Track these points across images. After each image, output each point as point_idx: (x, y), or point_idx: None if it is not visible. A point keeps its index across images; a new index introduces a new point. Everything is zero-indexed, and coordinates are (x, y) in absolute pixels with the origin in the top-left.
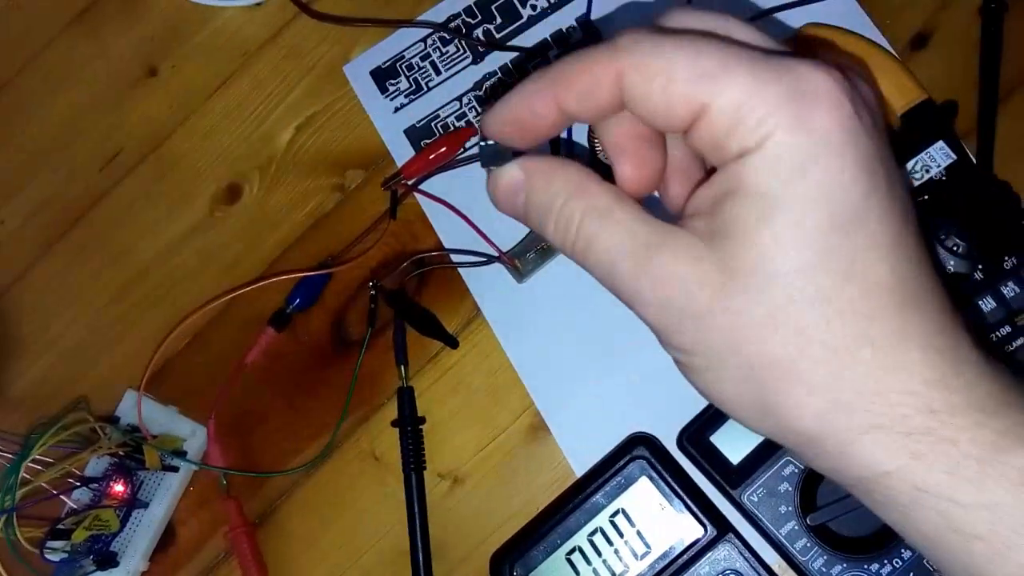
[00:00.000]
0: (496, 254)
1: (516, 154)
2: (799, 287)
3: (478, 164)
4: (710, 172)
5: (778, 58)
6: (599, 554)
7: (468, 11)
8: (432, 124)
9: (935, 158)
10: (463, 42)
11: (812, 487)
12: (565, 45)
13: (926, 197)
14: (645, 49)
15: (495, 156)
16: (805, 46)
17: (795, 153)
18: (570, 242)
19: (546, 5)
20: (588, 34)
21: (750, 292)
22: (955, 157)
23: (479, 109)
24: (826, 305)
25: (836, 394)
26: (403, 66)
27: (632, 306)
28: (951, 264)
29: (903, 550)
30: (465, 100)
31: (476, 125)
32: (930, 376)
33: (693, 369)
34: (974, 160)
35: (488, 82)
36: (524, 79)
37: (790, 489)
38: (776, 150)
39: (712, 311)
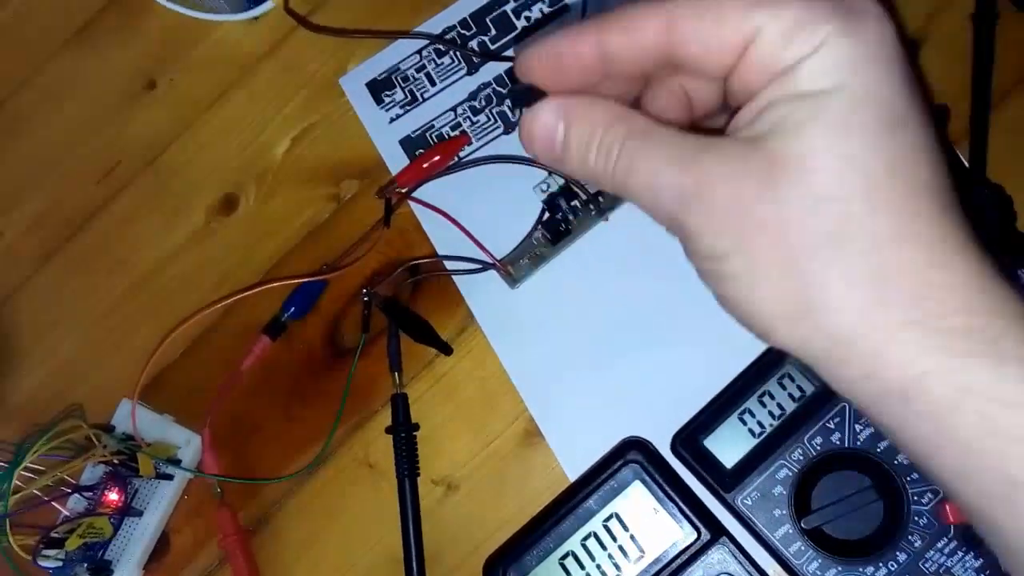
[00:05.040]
0: (490, 261)
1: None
2: (848, 177)
3: (472, 172)
4: None
5: None
6: (593, 559)
7: (463, 23)
8: (427, 135)
9: None
10: (458, 53)
11: (806, 490)
12: None
13: None
14: None
15: (526, 96)
16: None
17: (849, 54)
18: (611, 168)
19: (540, 16)
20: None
21: (797, 180)
22: (948, 161)
23: (473, 119)
24: (872, 196)
25: (878, 289)
26: (399, 78)
27: (674, 218)
28: None
29: (898, 553)
30: (460, 111)
31: (515, 56)
32: (970, 277)
33: (729, 276)
34: (966, 164)
35: (483, 92)
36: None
37: (784, 492)
38: (830, 52)
39: (760, 199)
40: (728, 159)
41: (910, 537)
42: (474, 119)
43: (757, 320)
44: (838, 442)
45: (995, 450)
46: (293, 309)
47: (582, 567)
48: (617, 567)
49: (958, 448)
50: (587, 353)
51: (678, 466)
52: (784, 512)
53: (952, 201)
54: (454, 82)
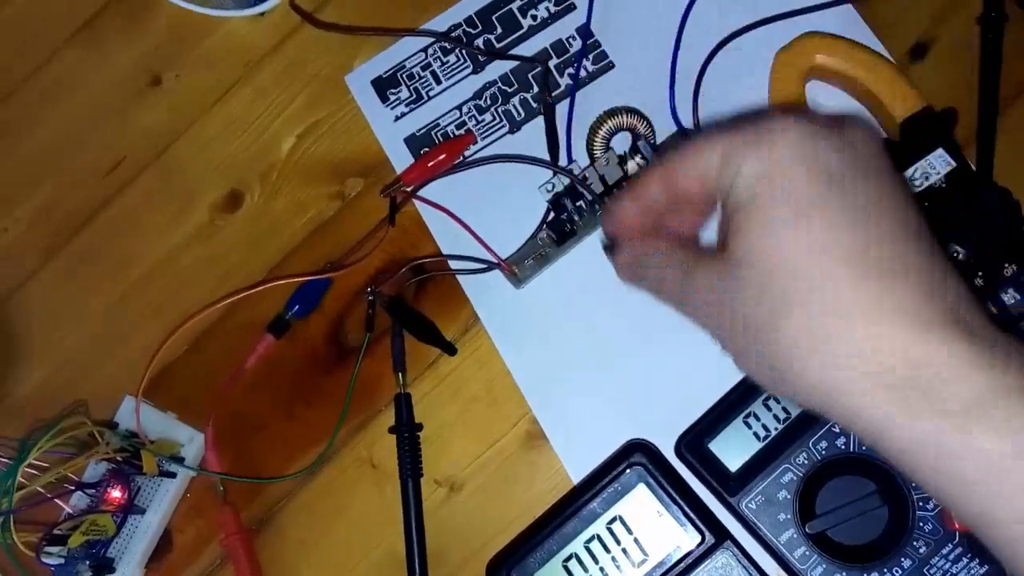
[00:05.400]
0: (494, 261)
1: None
2: (777, 264)
3: (477, 171)
4: None
5: (759, 118)
6: (596, 561)
7: (469, 21)
8: (432, 133)
9: (935, 165)
10: (464, 52)
11: (811, 495)
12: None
13: (926, 204)
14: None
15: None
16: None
17: (760, 170)
18: (665, 295)
19: (546, 15)
20: (587, 43)
21: (744, 273)
22: (955, 164)
23: (479, 118)
24: (800, 277)
25: (826, 354)
26: (404, 75)
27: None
28: None
29: (903, 559)
30: (465, 109)
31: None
32: (908, 333)
33: (725, 349)
34: (974, 168)
35: (489, 90)
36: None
37: (789, 497)
38: (749, 171)
39: (724, 293)
40: (709, 270)
41: (915, 543)
42: (479, 118)
43: (760, 382)
44: (843, 447)
45: (962, 492)
46: (297, 307)
47: (585, 570)
48: (620, 570)
49: (933, 489)
50: (591, 354)
51: (682, 469)
52: (788, 516)
53: (886, 263)
54: (460, 80)
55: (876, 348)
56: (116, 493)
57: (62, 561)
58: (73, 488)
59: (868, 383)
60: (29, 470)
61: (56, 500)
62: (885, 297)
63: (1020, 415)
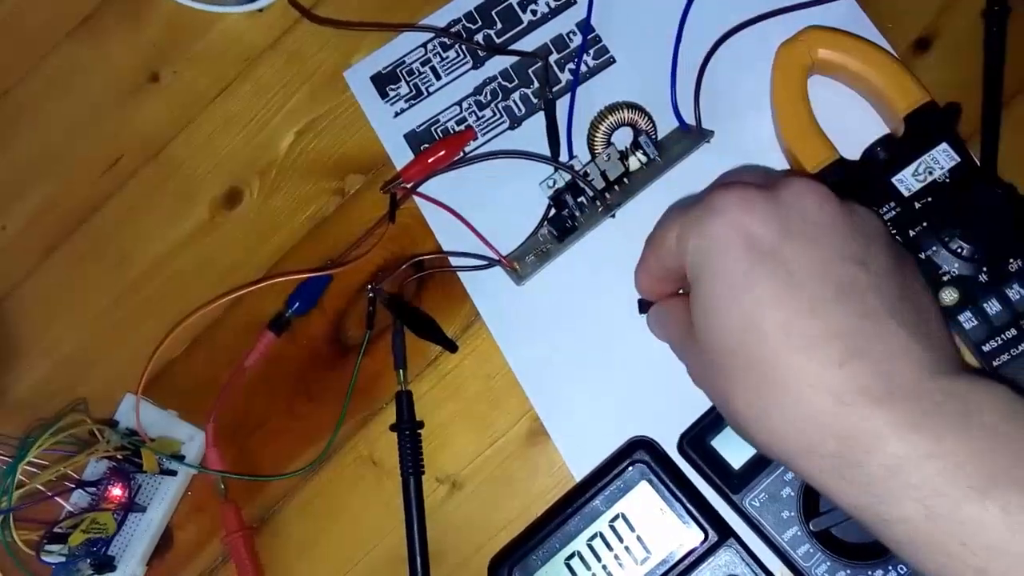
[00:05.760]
0: (495, 257)
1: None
2: (718, 341)
3: (478, 168)
4: None
5: (707, 193)
6: (599, 559)
7: (468, 16)
8: (432, 129)
9: (938, 160)
10: (463, 47)
11: (815, 492)
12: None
13: (929, 199)
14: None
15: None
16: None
17: (702, 247)
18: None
19: (546, 10)
20: (588, 39)
21: (701, 347)
22: (959, 159)
23: (479, 114)
24: (737, 355)
25: (766, 431)
26: (403, 71)
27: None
28: (955, 267)
29: None
30: (465, 105)
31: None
32: (832, 408)
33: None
34: (978, 162)
35: (489, 86)
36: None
37: (792, 494)
38: (696, 250)
39: (697, 358)
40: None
41: None
42: (480, 114)
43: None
44: None
45: (909, 557)
46: (297, 305)
47: (588, 568)
48: (623, 568)
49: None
50: (593, 351)
51: (685, 467)
52: (792, 514)
53: (807, 336)
54: (459, 76)
55: (801, 428)
56: (117, 491)
57: (63, 559)
58: (73, 486)
59: (805, 457)
60: (29, 468)
61: (56, 498)
62: (808, 371)
63: (931, 481)
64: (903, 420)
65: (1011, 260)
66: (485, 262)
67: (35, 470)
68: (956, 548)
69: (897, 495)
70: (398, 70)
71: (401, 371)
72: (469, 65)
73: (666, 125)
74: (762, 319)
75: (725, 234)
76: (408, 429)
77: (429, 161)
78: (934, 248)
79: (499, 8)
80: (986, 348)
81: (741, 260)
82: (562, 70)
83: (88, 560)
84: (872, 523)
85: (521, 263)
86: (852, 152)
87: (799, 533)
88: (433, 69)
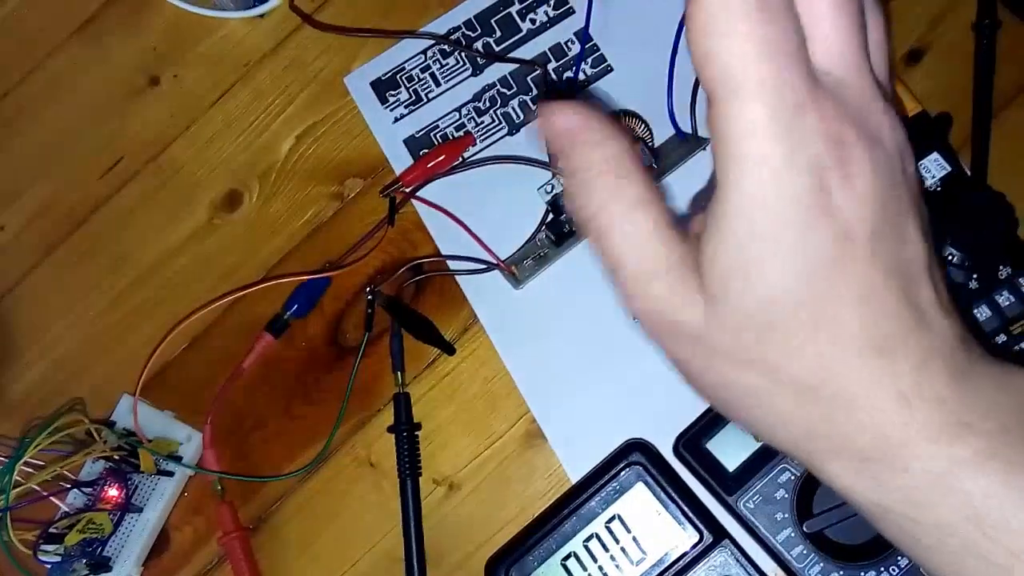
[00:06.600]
0: (493, 261)
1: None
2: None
3: (476, 173)
4: None
5: None
6: (595, 560)
7: (468, 24)
8: (431, 135)
9: (930, 169)
10: (463, 54)
11: (809, 494)
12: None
13: None
14: None
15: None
16: None
17: (710, 215)
18: (582, 216)
19: (545, 19)
20: (585, 48)
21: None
22: (950, 168)
23: (478, 120)
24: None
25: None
26: (403, 77)
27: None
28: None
29: (899, 558)
30: (464, 111)
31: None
32: (866, 396)
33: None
34: (968, 172)
35: (488, 93)
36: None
37: (786, 496)
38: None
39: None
40: (669, 294)
41: None
42: (478, 120)
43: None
44: None
45: (927, 561)
46: (296, 307)
47: (584, 568)
48: (619, 568)
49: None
50: (590, 354)
51: (681, 468)
52: (786, 516)
53: (828, 308)
54: (459, 83)
55: (843, 424)
56: (113, 491)
57: (58, 559)
58: (70, 486)
59: (841, 455)
60: (26, 468)
61: (53, 498)
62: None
63: (981, 486)
64: (952, 420)
65: (1001, 267)
66: (483, 266)
67: (32, 470)
68: (1004, 559)
69: (936, 500)
70: (398, 76)
71: (399, 373)
72: (468, 72)
73: (663, 133)
74: (771, 307)
75: (740, 217)
76: (406, 431)
77: (428, 166)
78: None
79: (499, 16)
80: None
81: (757, 238)
82: (560, 78)
83: (84, 560)
84: (892, 523)
85: (519, 267)
86: None
87: (793, 535)
88: (433, 76)
